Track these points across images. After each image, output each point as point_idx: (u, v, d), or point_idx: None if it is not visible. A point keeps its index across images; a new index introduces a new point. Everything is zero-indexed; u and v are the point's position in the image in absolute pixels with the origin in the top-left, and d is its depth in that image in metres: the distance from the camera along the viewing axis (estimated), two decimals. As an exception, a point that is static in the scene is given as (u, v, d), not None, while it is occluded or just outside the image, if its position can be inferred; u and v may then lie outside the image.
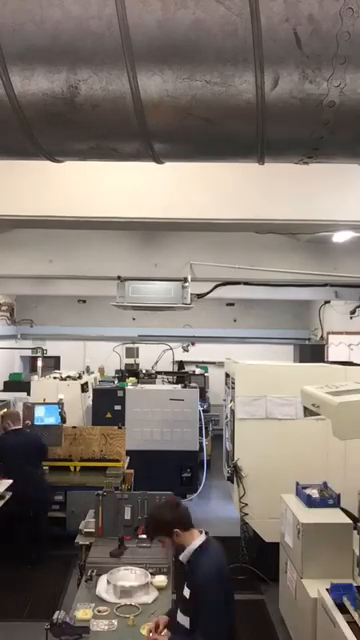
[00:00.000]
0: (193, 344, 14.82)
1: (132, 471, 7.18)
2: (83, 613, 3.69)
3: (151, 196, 4.29)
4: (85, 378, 9.82)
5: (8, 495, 6.34)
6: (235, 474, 6.47)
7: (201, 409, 9.54)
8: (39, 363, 11.25)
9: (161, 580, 4.19)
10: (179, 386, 9.94)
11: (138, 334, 14.14)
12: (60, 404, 7.73)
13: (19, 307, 14.57)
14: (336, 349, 11.44)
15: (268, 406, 6.45)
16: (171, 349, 13.31)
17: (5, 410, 7.89)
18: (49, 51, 1.79)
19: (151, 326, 13.84)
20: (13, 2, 1.72)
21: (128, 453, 7.99)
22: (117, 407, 9.19)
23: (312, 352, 12.52)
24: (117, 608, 3.79)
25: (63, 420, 7.66)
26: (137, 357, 13.84)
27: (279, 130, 2.00)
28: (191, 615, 3.18)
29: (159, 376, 11.68)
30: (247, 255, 6.98)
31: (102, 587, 4.06)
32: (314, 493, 5.28)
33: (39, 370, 10.88)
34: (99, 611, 3.74)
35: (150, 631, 3.36)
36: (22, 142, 2.14)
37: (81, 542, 4.97)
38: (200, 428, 9.32)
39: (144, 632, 3.43)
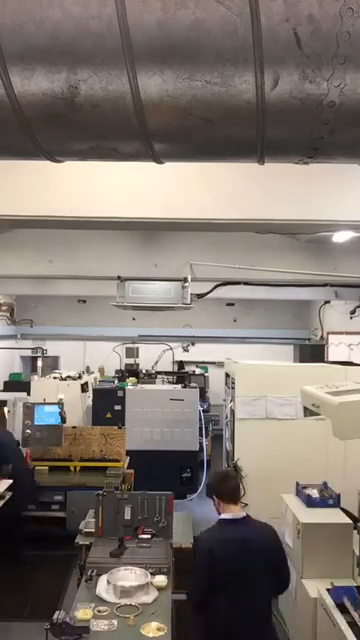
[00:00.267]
0: (193, 344, 14.82)
1: (132, 471, 7.18)
2: (83, 613, 3.69)
3: (151, 196, 4.29)
4: (85, 378, 9.82)
5: (8, 495, 6.35)
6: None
7: (201, 409, 9.54)
8: (39, 363, 11.24)
9: (161, 580, 4.19)
10: (179, 386, 9.94)
11: (138, 334, 14.14)
12: (60, 404, 7.72)
13: (19, 307, 14.58)
14: (336, 349, 11.44)
15: (268, 406, 6.46)
16: (171, 349, 13.31)
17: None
18: (49, 51, 1.79)
19: (151, 326, 13.85)
20: (13, 2, 1.72)
21: (128, 453, 7.99)
22: (117, 407, 9.19)
23: (312, 352, 12.52)
24: (117, 608, 3.79)
25: (63, 420, 7.66)
26: (137, 357, 13.85)
27: (279, 130, 1.99)
28: None
29: (159, 376, 11.69)
30: (247, 255, 6.97)
31: (102, 587, 4.06)
32: (314, 493, 5.27)
33: (39, 370, 10.88)
34: (99, 611, 3.74)
35: None
36: (22, 142, 2.14)
37: (81, 542, 4.97)
38: (200, 428, 9.32)
39: (144, 632, 3.44)
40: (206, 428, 10.40)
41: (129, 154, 2.27)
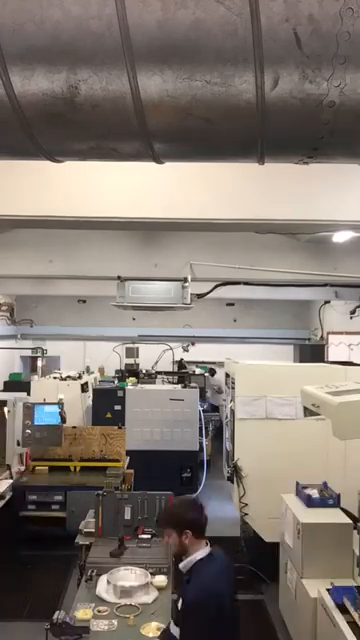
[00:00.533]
0: (193, 344, 14.82)
1: (132, 471, 7.17)
2: (83, 613, 3.70)
3: (151, 196, 4.28)
4: (85, 378, 9.82)
5: (9, 495, 6.35)
6: (235, 474, 6.47)
7: (201, 409, 9.54)
8: (39, 363, 11.24)
9: (161, 580, 4.19)
10: (179, 386, 9.95)
11: (138, 334, 14.13)
12: (60, 404, 7.72)
13: (19, 307, 14.57)
14: (336, 349, 11.44)
15: (268, 406, 6.45)
16: (171, 349, 13.30)
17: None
18: (49, 51, 1.79)
19: (151, 326, 13.84)
20: (13, 2, 1.72)
21: (128, 453, 7.99)
22: (117, 407, 9.19)
23: (312, 352, 12.52)
24: (117, 608, 3.79)
25: (63, 420, 7.65)
26: (137, 357, 13.84)
27: (279, 130, 1.99)
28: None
29: (159, 376, 11.68)
30: (247, 255, 6.97)
31: (102, 587, 4.06)
32: (314, 493, 5.28)
33: (39, 370, 10.87)
34: (99, 611, 3.74)
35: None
36: (22, 142, 2.14)
37: (81, 542, 4.97)
38: (200, 428, 9.32)
39: (144, 632, 3.44)
40: (206, 428, 10.40)
41: (129, 154, 2.27)
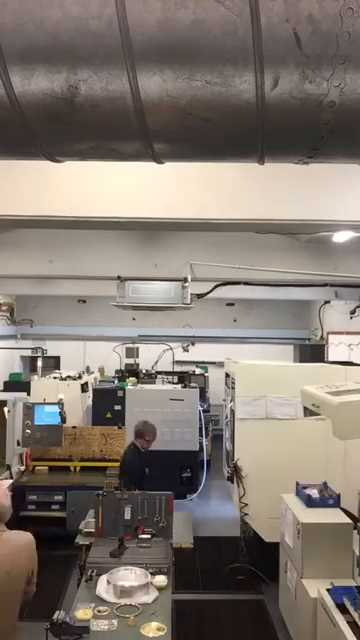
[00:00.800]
0: (193, 344, 14.82)
1: (132, 471, 7.17)
2: (83, 613, 3.69)
3: (151, 196, 4.29)
4: (85, 378, 9.81)
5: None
6: (235, 474, 6.46)
7: (201, 409, 9.53)
8: (39, 363, 11.24)
9: (161, 580, 4.19)
10: (179, 386, 9.94)
11: (138, 334, 14.14)
12: (60, 404, 7.73)
13: (19, 307, 14.58)
14: (336, 349, 11.44)
15: (268, 406, 6.45)
16: (171, 349, 13.31)
17: None
18: (49, 51, 1.79)
19: (151, 326, 13.85)
20: (13, 2, 1.72)
21: (128, 453, 7.98)
22: (117, 407, 9.18)
23: (312, 352, 12.52)
24: (117, 608, 3.79)
25: (63, 420, 7.66)
26: (137, 357, 13.84)
27: (279, 130, 1.99)
28: None
29: (159, 376, 11.68)
30: (247, 255, 6.97)
31: (102, 587, 4.06)
32: (314, 493, 5.27)
33: (39, 370, 10.87)
34: (99, 611, 3.74)
35: None
36: (22, 142, 2.14)
37: (81, 542, 4.97)
38: (200, 428, 9.31)
39: (144, 632, 3.44)
40: (206, 428, 10.39)
41: (129, 154, 2.27)
